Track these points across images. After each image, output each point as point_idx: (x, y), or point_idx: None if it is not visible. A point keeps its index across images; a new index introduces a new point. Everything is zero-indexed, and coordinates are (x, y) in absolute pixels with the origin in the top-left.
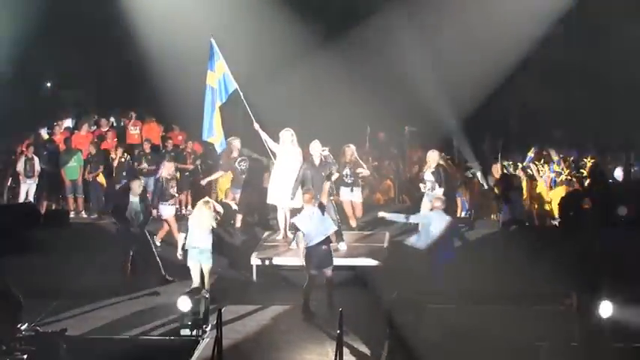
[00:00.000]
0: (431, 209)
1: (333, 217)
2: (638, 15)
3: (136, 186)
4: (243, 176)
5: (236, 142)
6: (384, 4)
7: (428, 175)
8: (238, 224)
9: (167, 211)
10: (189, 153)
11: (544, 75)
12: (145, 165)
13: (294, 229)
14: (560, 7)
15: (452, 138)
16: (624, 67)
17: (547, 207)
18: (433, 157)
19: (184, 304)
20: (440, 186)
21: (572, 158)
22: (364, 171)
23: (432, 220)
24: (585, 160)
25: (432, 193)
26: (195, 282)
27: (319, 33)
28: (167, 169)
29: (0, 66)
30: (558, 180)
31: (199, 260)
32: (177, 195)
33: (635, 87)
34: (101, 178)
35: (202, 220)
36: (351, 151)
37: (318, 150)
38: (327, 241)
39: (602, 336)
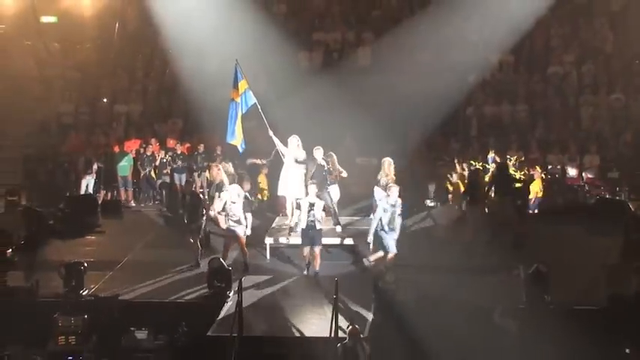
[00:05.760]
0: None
1: (329, 204)
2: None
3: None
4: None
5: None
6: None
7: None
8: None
9: None
10: (218, 155)
11: (497, 92)
12: (179, 163)
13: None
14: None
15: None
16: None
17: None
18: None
19: (214, 262)
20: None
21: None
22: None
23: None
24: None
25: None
26: None
27: (320, 61)
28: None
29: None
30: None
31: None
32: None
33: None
34: (152, 173)
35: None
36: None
37: (320, 154)
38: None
39: (542, 299)
